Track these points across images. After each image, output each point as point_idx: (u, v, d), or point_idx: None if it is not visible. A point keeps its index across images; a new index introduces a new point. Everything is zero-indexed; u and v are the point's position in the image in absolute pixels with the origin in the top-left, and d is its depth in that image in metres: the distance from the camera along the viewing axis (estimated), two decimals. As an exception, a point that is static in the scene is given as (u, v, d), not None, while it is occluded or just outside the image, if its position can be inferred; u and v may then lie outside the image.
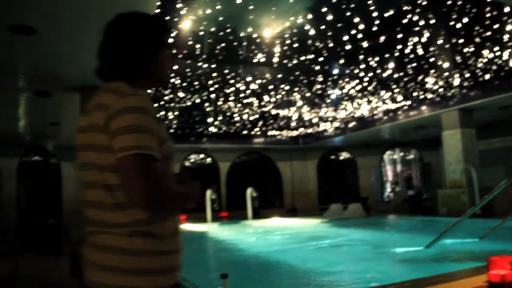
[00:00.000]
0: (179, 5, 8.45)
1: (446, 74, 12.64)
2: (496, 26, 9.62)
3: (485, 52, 10.98)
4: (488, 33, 9.96)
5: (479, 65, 11.92)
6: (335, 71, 12.82)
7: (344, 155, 24.64)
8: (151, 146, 1.51)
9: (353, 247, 9.98)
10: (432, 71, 12.44)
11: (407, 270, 6.67)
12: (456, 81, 13.17)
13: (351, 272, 7.07)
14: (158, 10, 6.62)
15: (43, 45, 6.84)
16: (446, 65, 11.87)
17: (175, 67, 11.08)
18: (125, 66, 1.73)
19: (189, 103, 14.56)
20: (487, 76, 12.82)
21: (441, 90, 14.18)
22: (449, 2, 9.09)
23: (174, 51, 9.78)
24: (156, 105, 13.53)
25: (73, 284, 6.67)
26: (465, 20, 9.41)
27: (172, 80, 11.80)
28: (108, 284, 1.53)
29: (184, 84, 12.51)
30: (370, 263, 7.63)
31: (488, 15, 9.32)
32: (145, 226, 1.56)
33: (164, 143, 1.63)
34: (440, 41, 10.59)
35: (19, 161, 17.42)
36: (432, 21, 9.70)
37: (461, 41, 10.45)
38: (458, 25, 9.60)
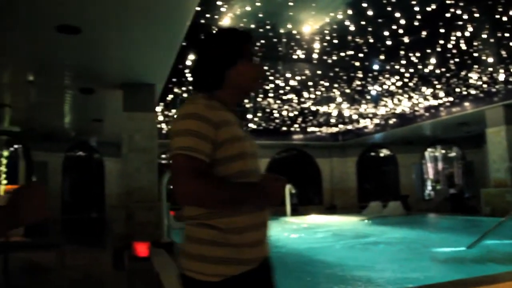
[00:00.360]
0: (219, 2, 8.53)
1: (491, 69, 12.28)
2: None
3: (533, 46, 10.62)
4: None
5: (526, 59, 11.55)
6: (375, 67, 12.66)
7: (384, 152, 24.25)
8: (194, 147, 1.64)
9: (393, 246, 9.86)
10: (476, 66, 12.11)
11: (448, 271, 6.57)
12: (501, 77, 12.77)
13: (390, 272, 7.00)
14: (199, 8, 6.68)
15: (87, 44, 7.03)
16: (490, 60, 11.53)
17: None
18: (199, 77, 1.91)
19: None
20: (535, 71, 12.38)
21: (485, 85, 13.77)
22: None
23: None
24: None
25: (116, 277, 6.86)
26: (511, 12, 9.13)
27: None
28: (180, 267, 1.75)
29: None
30: (410, 263, 7.54)
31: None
32: (207, 219, 1.71)
33: (226, 143, 1.73)
34: (484, 35, 10.30)
35: (64, 156, 17.94)
36: (476, 15, 9.45)
37: (507, 34, 10.13)
38: (504, 18, 9.33)
